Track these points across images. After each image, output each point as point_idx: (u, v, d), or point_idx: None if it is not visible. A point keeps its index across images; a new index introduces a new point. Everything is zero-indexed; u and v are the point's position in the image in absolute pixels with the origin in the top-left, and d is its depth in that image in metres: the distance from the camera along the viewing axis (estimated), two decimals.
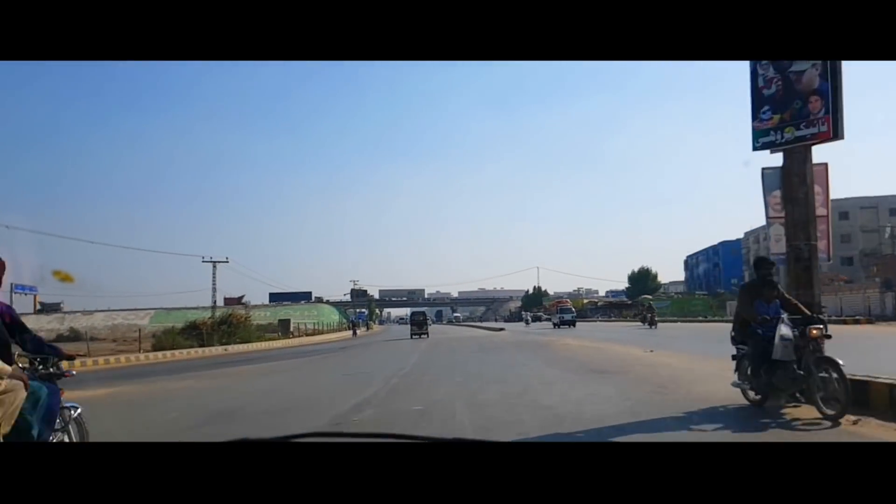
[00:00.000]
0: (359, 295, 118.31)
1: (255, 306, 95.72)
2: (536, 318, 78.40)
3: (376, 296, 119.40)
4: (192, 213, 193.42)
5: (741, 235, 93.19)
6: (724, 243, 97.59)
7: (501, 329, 41.78)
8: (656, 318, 33.66)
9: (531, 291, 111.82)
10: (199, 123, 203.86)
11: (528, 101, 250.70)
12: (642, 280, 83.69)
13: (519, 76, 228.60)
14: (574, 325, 40.84)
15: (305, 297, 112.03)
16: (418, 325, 36.27)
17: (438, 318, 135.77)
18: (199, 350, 31.08)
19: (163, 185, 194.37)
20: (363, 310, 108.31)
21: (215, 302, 46.01)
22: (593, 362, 13.03)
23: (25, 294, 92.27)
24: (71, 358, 4.14)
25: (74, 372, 4.19)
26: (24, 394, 3.30)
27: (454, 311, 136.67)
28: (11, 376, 3.24)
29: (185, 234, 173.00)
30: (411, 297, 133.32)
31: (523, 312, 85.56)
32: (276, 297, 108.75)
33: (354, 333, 49.33)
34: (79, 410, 4.09)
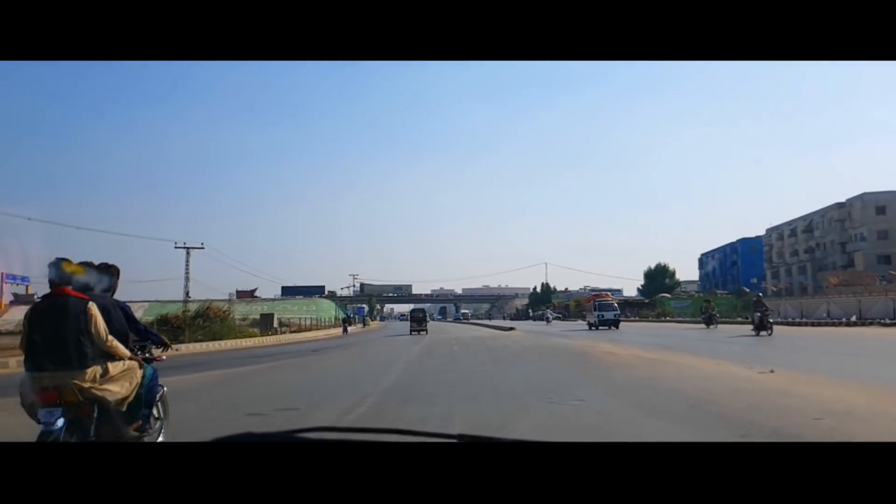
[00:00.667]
0: (380, 289, 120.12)
1: (266, 300, 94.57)
2: (544, 316, 72.57)
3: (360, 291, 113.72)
4: (189, 205, 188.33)
5: (762, 232, 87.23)
6: (743, 240, 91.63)
7: (511, 329, 35.62)
8: (770, 320, 23.09)
9: (539, 288, 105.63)
10: (196, 116, 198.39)
11: (530, 94, 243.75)
12: (659, 277, 77.52)
13: (520, 69, 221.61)
14: (617, 326, 34.10)
15: (318, 291, 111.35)
16: (418, 321, 37.04)
17: (442, 314, 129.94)
18: None
19: (158, 177, 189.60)
20: (363, 305, 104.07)
21: (188, 293, 40.13)
22: (714, 400, 6.95)
23: (17, 283, 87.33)
24: (167, 345, 4.86)
25: (164, 357, 4.84)
26: (140, 372, 4.22)
27: (458, 308, 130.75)
28: (130, 359, 4.14)
29: (184, 225, 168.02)
30: (398, 293, 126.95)
31: (539, 311, 79.67)
32: (288, 291, 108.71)
33: (345, 331, 43.41)
34: (164, 389, 4.73)
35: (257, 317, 54.39)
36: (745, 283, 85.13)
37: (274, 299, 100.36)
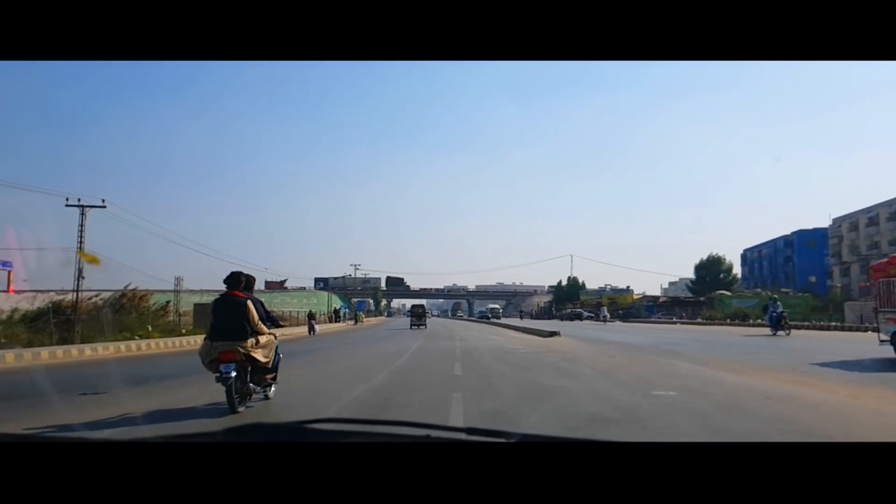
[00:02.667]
0: (394, 283, 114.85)
1: (295, 291, 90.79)
2: (576, 316, 58.14)
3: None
4: (199, 197, 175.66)
5: (793, 229, 72.51)
6: (800, 233, 76.60)
7: (554, 334, 21.38)
8: None
9: (564, 283, 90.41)
10: (211, 107, 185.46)
11: (556, 93, 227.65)
12: (712, 271, 62.55)
13: (546, 68, 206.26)
14: None
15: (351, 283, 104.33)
16: (417, 316, 37.71)
17: (454, 312, 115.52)
18: None
19: (171, 167, 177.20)
20: (365, 299, 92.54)
21: (80, 272, 26.64)
22: None
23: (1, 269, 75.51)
24: (281, 326, 7.36)
25: (278, 334, 6.87)
26: (274, 343, 6.55)
27: (471, 305, 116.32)
28: (269, 334, 6.42)
29: (193, 220, 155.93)
30: (366, 287, 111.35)
31: (567, 309, 64.88)
32: (321, 282, 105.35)
33: (311, 331, 29.53)
34: (280, 356, 6.84)
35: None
36: (803, 281, 70.51)
37: (298, 290, 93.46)
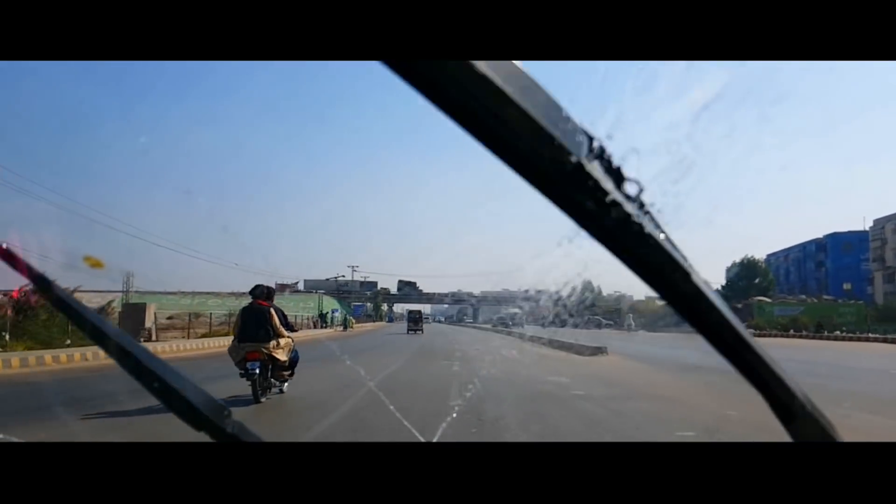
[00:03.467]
0: (407, 287, 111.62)
1: (307, 293, 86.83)
2: (594, 324, 51.28)
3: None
4: (205, 200, 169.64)
5: (866, 226, 65.10)
6: (833, 236, 69.57)
7: (600, 350, 14.33)
8: None
9: (578, 287, 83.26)
10: (216, 111, 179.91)
11: (560, 95, 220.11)
12: (748, 275, 55.41)
13: (549, 69, 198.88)
14: None
15: (370, 287, 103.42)
16: (414, 321, 38.46)
17: (460, 318, 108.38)
18: None
19: (175, 173, 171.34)
20: (364, 303, 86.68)
21: None
22: None
23: None
24: (295, 331, 8.39)
25: (294, 338, 7.92)
26: (292, 345, 7.64)
27: (476, 309, 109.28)
28: (288, 337, 7.55)
29: (197, 222, 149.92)
30: (342, 289, 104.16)
31: (585, 317, 58.45)
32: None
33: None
34: (297, 355, 7.93)
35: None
36: (836, 288, 63.55)
37: (309, 293, 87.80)
